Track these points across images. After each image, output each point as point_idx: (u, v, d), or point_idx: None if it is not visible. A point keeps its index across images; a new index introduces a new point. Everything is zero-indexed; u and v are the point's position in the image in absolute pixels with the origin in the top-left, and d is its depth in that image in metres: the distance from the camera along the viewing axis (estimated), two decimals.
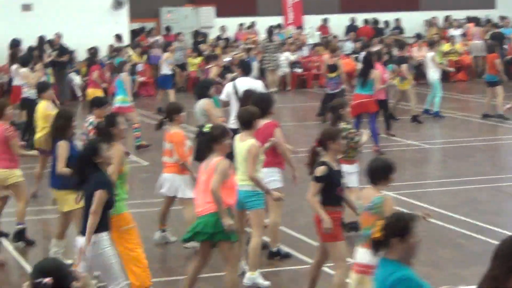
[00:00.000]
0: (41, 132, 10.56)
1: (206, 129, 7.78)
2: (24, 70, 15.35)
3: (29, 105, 14.37)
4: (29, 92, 14.64)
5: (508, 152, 14.21)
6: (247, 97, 9.45)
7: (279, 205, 7.30)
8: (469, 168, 12.32)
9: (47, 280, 3.67)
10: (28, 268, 7.95)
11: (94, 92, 15.43)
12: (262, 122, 7.67)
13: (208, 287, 7.35)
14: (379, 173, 5.85)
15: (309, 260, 7.82)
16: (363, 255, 5.53)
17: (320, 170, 6.45)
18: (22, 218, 8.68)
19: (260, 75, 18.80)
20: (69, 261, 6.67)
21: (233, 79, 12.21)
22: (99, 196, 6.05)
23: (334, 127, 7.75)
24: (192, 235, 6.27)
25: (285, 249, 8.14)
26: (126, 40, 21.89)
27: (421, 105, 16.38)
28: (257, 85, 11.54)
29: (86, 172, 6.26)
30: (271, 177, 7.78)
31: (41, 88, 12.03)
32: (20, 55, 17.78)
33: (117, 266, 6.45)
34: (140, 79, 19.68)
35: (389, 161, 6.17)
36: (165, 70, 16.90)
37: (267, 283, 7.22)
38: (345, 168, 7.40)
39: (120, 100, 14.24)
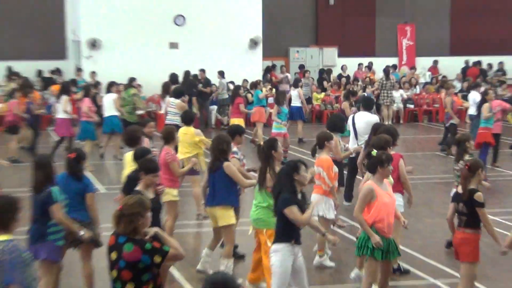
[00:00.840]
0: (184, 155, 11.17)
1: (373, 153, 7.95)
2: (177, 101, 16.22)
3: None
4: (174, 119, 15.52)
5: None
6: (375, 129, 10.02)
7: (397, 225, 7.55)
8: None
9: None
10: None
11: (237, 121, 16.66)
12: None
13: None
14: None
15: (425, 276, 8.58)
16: None
17: (479, 196, 6.97)
18: (170, 233, 9.06)
19: (376, 110, 19.78)
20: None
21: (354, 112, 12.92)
22: (289, 211, 6.64)
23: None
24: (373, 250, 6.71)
25: (404, 265, 8.59)
26: (259, 75, 23.71)
27: None
28: (374, 119, 12.19)
29: (283, 188, 6.84)
30: (397, 202, 8.10)
31: (188, 117, 12.41)
32: (174, 88, 18.70)
33: (279, 277, 6.88)
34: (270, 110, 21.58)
35: None
36: (296, 102, 18.60)
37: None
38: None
39: (276, 127, 15.98)
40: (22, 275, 5.47)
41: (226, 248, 8.57)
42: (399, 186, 8.34)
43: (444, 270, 8.87)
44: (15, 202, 5.48)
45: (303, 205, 6.83)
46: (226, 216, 8.50)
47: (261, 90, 20.71)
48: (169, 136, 9.58)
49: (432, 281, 8.40)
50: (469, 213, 7.04)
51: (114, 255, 5.41)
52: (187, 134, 11.47)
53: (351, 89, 20.48)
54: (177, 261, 5.82)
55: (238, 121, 15.97)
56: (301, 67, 25.73)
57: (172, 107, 16.33)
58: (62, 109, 17.28)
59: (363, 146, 11.19)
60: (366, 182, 7.55)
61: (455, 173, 9.66)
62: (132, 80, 20.26)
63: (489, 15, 28.63)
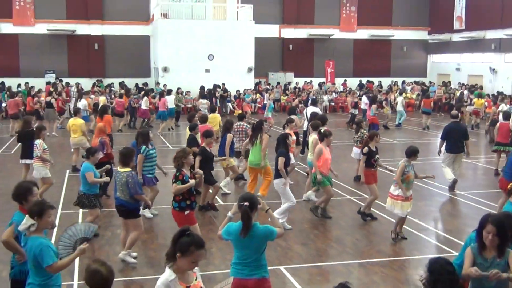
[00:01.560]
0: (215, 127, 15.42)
1: (322, 130, 11.34)
2: (205, 100, 25.09)
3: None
4: (205, 111, 21.88)
5: None
6: (313, 116, 14.42)
7: None
8: None
9: (246, 203, 5.60)
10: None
11: (239, 111, 24.16)
12: None
13: None
14: None
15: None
16: None
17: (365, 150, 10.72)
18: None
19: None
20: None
21: None
22: (280, 160, 10.18)
23: None
24: None
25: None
26: (252, 87, 33.39)
27: None
28: (317, 110, 16.88)
29: (280, 146, 10.44)
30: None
31: (213, 108, 18.27)
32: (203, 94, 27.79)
33: (288, 192, 10.25)
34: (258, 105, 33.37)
35: None
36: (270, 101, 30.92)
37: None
38: None
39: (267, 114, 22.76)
40: (140, 190, 8.50)
41: (232, 175, 13.24)
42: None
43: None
44: (132, 151, 8.71)
45: (288, 159, 10.48)
46: (230, 161, 13.07)
47: (250, 95, 31.28)
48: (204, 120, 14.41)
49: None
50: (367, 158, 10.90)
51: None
52: (215, 117, 16.44)
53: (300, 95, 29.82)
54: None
55: (239, 111, 21.15)
56: (277, 83, 35.73)
57: (203, 105, 24.66)
58: (144, 104, 25.06)
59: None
60: (317, 145, 11.11)
61: (354, 139, 14.54)
62: (178, 89, 28.68)
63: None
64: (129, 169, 8.58)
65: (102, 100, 25.61)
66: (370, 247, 10.10)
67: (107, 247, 9.85)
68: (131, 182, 8.42)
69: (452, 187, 14.18)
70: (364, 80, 38.75)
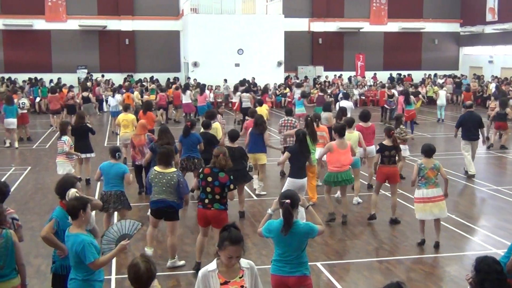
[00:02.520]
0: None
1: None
2: (248, 94, 22.66)
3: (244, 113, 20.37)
4: (248, 104, 21.02)
5: None
6: (343, 111, 14.22)
7: None
8: None
9: (287, 201, 5.56)
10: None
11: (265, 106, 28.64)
12: None
13: None
14: None
15: None
16: None
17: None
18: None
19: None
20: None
21: None
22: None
23: None
24: None
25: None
26: (282, 81, 32.85)
27: None
28: (349, 105, 17.81)
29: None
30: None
31: (260, 102, 18.21)
32: (244, 88, 24.91)
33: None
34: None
35: None
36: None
37: None
38: None
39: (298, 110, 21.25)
40: (188, 190, 8.41)
41: (260, 175, 12.72)
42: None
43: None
44: (172, 150, 8.57)
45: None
46: (263, 158, 12.56)
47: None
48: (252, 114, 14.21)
49: None
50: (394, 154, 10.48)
51: (210, 179, 7.93)
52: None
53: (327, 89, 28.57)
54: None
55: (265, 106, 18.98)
56: (306, 77, 35.48)
57: (245, 99, 22.56)
58: (186, 98, 24.47)
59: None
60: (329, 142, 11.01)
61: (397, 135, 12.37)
62: (202, 84, 27.04)
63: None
64: (175, 169, 8.42)
65: (136, 95, 25.71)
66: (407, 244, 9.92)
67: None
68: (182, 182, 8.29)
69: (466, 175, 14.86)
70: (395, 73, 38.36)
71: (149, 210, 8.93)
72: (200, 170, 8.43)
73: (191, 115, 24.87)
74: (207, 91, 26.23)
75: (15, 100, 20.60)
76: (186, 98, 24.86)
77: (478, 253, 8.78)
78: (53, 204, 10.54)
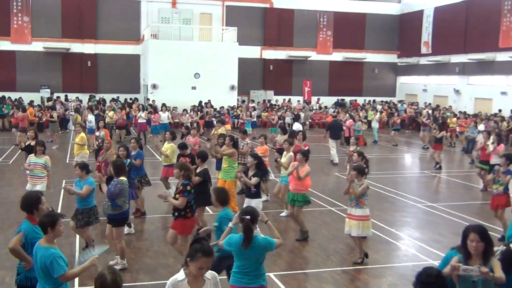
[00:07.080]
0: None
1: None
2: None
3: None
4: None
5: None
6: (291, 132, 15.04)
7: None
8: None
9: (248, 217, 5.48)
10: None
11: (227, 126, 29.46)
12: None
13: None
14: None
15: None
16: None
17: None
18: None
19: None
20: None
21: None
22: None
23: None
24: None
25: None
26: (235, 103, 33.08)
27: None
28: (299, 126, 18.65)
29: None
30: None
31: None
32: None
33: None
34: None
35: None
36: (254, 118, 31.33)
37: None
38: None
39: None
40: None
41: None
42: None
43: None
44: (123, 163, 8.67)
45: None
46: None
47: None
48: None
49: None
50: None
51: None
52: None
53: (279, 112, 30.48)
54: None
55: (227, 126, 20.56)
56: (264, 101, 36.15)
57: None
58: (142, 118, 24.44)
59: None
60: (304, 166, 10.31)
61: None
62: (163, 104, 28.17)
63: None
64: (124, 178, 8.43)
65: (111, 115, 25.27)
66: (352, 255, 10.00)
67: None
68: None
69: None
70: (337, 99, 39.58)
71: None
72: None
73: (145, 133, 24.82)
74: (167, 112, 26.21)
75: None
76: (141, 118, 24.79)
77: (415, 264, 9.04)
78: (16, 218, 10.32)
